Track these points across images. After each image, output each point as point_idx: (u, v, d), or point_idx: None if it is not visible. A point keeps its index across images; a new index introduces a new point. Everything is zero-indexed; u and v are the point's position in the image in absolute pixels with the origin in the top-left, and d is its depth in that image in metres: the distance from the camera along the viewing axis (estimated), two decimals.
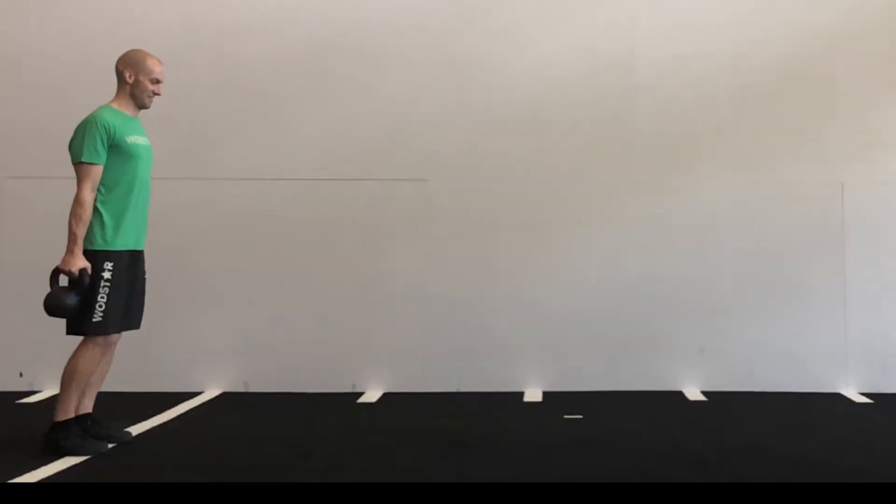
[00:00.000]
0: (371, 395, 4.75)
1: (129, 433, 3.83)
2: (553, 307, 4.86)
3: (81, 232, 3.49)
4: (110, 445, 3.65)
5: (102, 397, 4.66)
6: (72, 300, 3.50)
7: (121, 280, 3.61)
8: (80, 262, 3.48)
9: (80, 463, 3.46)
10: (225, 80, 4.91)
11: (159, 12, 4.92)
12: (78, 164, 3.52)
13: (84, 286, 3.50)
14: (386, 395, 4.76)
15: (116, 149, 3.54)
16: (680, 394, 4.74)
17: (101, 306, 3.54)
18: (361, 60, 4.90)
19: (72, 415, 3.60)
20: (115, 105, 3.67)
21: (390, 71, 4.91)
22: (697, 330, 4.84)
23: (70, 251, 3.48)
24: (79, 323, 3.56)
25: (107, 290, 3.55)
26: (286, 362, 4.87)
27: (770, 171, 4.85)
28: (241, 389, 4.86)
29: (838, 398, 4.68)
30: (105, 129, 3.52)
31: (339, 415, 4.28)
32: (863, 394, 4.74)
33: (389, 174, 4.90)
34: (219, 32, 4.91)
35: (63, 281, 3.56)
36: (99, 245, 3.56)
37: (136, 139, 3.62)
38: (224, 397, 4.75)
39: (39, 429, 4.02)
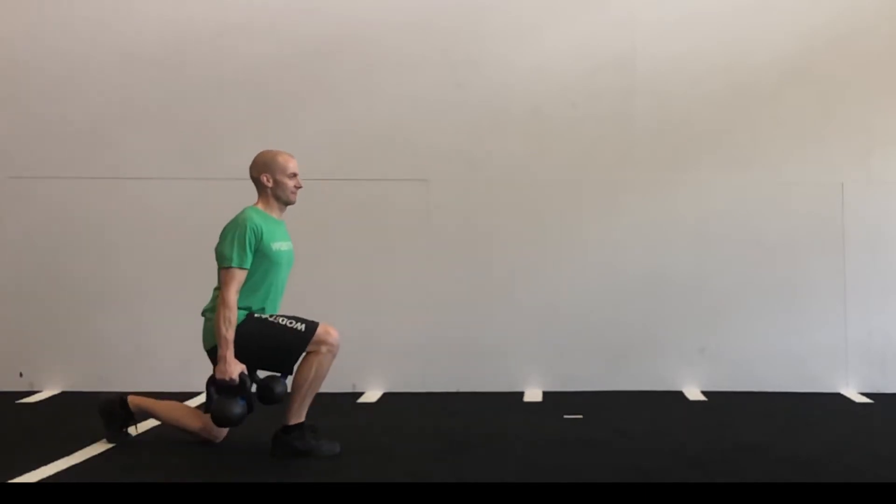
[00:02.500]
0: (371, 395, 4.75)
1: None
2: (553, 307, 4.86)
3: (231, 335, 3.37)
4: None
5: None
6: (239, 409, 3.39)
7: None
8: (237, 367, 3.37)
9: (80, 463, 3.46)
10: (225, 80, 4.91)
11: (160, 12, 4.92)
12: (226, 268, 3.42)
13: (247, 389, 3.40)
14: (386, 395, 4.76)
15: (259, 254, 3.47)
16: (680, 394, 4.74)
17: (290, 323, 3.49)
18: (361, 60, 4.90)
19: (302, 419, 3.54)
20: (261, 207, 3.61)
21: (390, 71, 4.91)
22: (697, 330, 4.84)
23: (223, 358, 3.36)
24: (298, 345, 3.47)
25: (276, 316, 3.52)
26: None
27: (770, 171, 4.85)
28: None
29: (838, 398, 4.68)
30: (254, 233, 3.45)
31: (339, 415, 4.27)
32: (863, 394, 4.74)
33: (389, 174, 4.90)
34: (219, 32, 4.91)
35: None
36: (244, 314, 3.48)
37: (280, 246, 3.56)
38: None
39: (39, 429, 4.04)
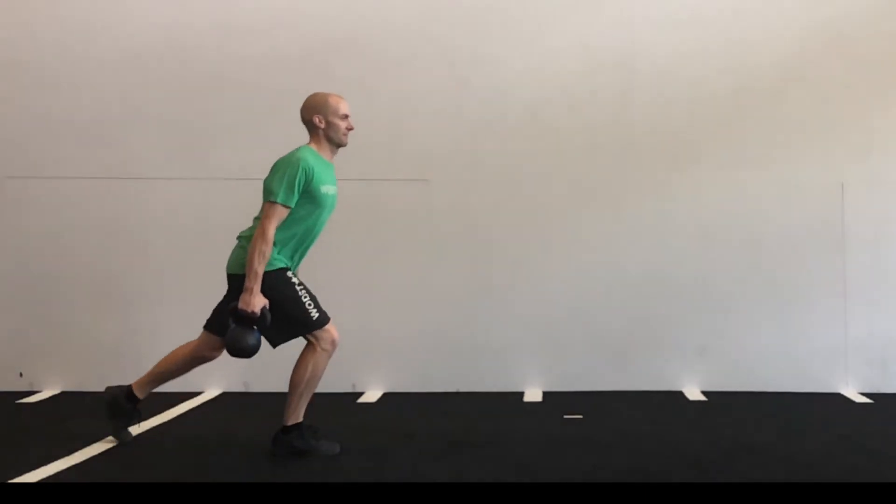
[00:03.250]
0: (371, 395, 4.75)
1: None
2: (553, 307, 4.86)
3: (262, 270, 3.35)
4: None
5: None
6: (254, 339, 3.40)
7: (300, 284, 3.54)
8: (261, 301, 3.37)
9: (80, 463, 3.46)
10: (224, 80, 4.91)
11: (159, 12, 4.92)
12: (271, 202, 3.40)
13: (266, 324, 3.41)
14: (386, 395, 4.76)
15: (308, 195, 3.45)
16: (680, 394, 4.74)
17: (309, 304, 3.49)
18: (361, 60, 4.90)
19: (301, 419, 3.55)
20: (314, 148, 3.58)
21: (390, 71, 4.90)
22: (697, 330, 4.84)
23: (249, 290, 3.34)
24: (301, 327, 3.50)
25: (303, 289, 3.51)
26: (286, 362, 4.86)
27: (770, 171, 4.85)
28: (241, 389, 4.86)
29: (838, 398, 4.68)
30: (305, 173, 3.42)
31: (339, 415, 4.28)
32: (863, 394, 4.74)
33: (389, 174, 4.90)
34: (218, 32, 4.91)
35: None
36: (275, 265, 3.46)
37: (328, 189, 3.55)
38: (224, 397, 4.76)
39: (39, 429, 4.04)
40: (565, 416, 4.22)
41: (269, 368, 4.86)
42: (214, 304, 4.87)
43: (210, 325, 3.71)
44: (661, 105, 4.87)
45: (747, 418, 4.21)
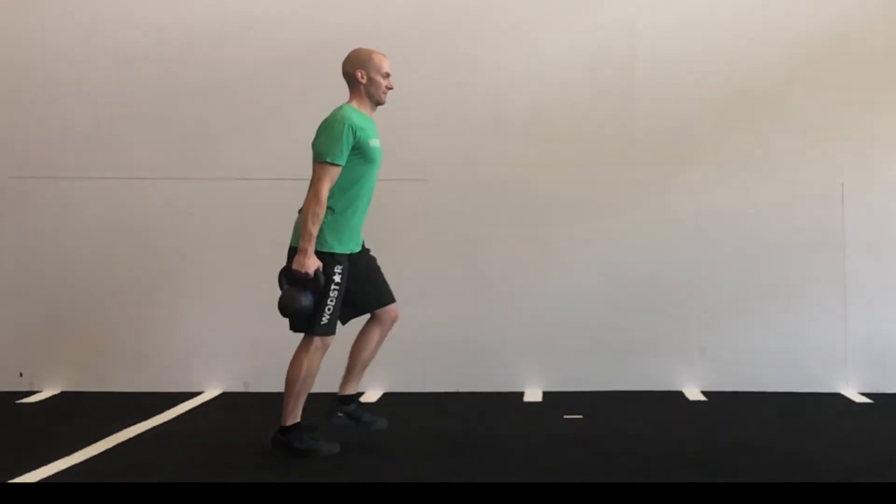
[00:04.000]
0: (371, 395, 4.75)
1: (385, 422, 3.74)
2: (553, 307, 4.86)
3: (316, 230, 3.36)
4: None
5: (103, 398, 4.68)
6: (307, 301, 3.39)
7: (347, 283, 3.53)
8: (315, 262, 3.36)
9: (80, 463, 3.46)
10: (225, 80, 4.91)
11: (159, 12, 4.92)
12: (321, 163, 3.39)
13: (319, 286, 3.39)
14: (386, 395, 4.76)
15: (358, 151, 3.43)
16: (680, 394, 4.74)
17: (329, 309, 3.47)
18: None
19: (298, 419, 3.54)
20: (355, 104, 3.57)
21: (390, 71, 4.89)
22: (697, 330, 4.84)
23: (303, 251, 3.35)
24: (305, 323, 3.49)
25: (336, 293, 3.47)
26: (286, 362, 4.85)
27: (770, 171, 4.85)
28: (241, 389, 4.86)
29: (838, 398, 4.68)
30: (352, 130, 3.41)
31: None
32: (863, 394, 4.74)
33: (389, 174, 4.87)
34: (219, 32, 4.91)
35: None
36: (330, 247, 3.45)
37: (375, 143, 3.54)
38: (224, 397, 4.75)
39: (39, 429, 4.04)
40: (565, 416, 4.22)
41: (269, 368, 4.87)
42: (214, 304, 4.90)
43: (364, 307, 3.68)
44: (661, 105, 4.87)
45: (747, 418, 4.21)
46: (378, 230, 4.87)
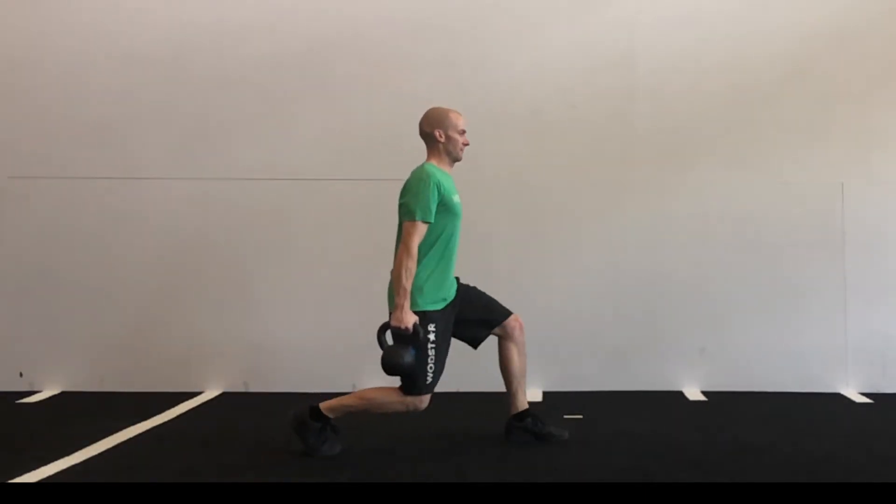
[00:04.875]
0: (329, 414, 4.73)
1: (566, 432, 3.80)
2: (553, 307, 4.86)
3: (410, 285, 3.40)
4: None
5: (103, 398, 4.68)
6: (409, 357, 3.40)
7: (445, 338, 3.57)
8: (412, 317, 3.40)
9: (80, 463, 3.46)
10: (225, 80, 4.91)
11: (159, 12, 4.93)
12: (411, 221, 3.44)
13: (419, 341, 3.43)
14: None
15: (443, 207, 3.50)
16: (680, 394, 4.74)
17: (431, 367, 3.51)
18: (362, 60, 4.90)
19: (333, 417, 3.57)
20: (435, 162, 3.64)
21: (390, 71, 4.91)
22: (697, 330, 4.84)
23: (399, 306, 3.39)
24: (411, 383, 3.51)
25: (434, 351, 3.51)
26: (286, 362, 4.88)
27: (770, 171, 4.85)
28: (241, 389, 4.86)
29: (838, 398, 4.68)
30: (438, 187, 3.48)
31: None
32: (863, 394, 4.74)
33: (389, 174, 4.87)
34: (219, 32, 4.92)
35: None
36: (420, 306, 3.48)
37: (457, 198, 3.61)
38: (224, 397, 4.76)
39: (39, 429, 4.04)
40: (565, 416, 4.22)
41: (269, 368, 4.89)
42: (214, 304, 4.90)
43: (481, 335, 3.78)
44: (661, 105, 4.87)
45: (747, 418, 4.21)
46: (378, 230, 4.88)
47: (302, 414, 3.57)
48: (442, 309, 3.55)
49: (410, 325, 3.39)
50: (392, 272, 3.49)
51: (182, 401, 4.57)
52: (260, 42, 4.91)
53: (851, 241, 4.82)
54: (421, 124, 3.70)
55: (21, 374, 4.88)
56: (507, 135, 4.88)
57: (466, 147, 3.70)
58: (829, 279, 4.82)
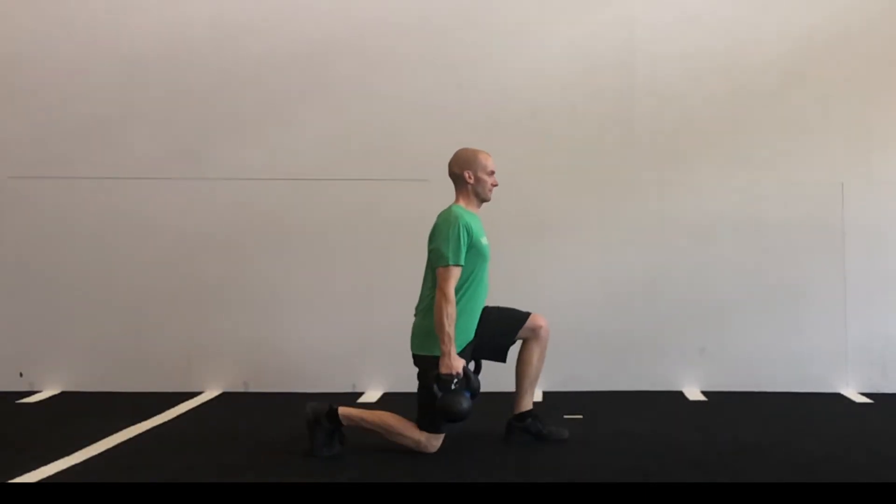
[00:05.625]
0: (371, 395, 4.75)
1: (566, 432, 3.81)
2: (553, 307, 4.82)
3: (453, 330, 3.43)
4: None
5: (103, 398, 4.68)
6: (466, 403, 3.40)
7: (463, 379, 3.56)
8: (460, 361, 3.44)
9: (80, 463, 3.46)
10: (225, 80, 4.91)
11: (159, 12, 4.93)
12: (444, 266, 3.48)
13: (473, 384, 3.45)
14: (386, 395, 4.76)
15: (471, 249, 3.55)
16: (680, 394, 4.74)
17: (458, 408, 3.48)
18: (362, 60, 4.90)
19: (344, 424, 3.59)
20: (463, 204, 3.68)
21: (390, 71, 4.91)
22: (697, 330, 4.84)
23: (446, 353, 3.41)
24: (429, 421, 3.54)
25: (466, 383, 3.51)
26: (286, 362, 4.88)
27: (770, 171, 4.85)
28: (241, 389, 4.86)
29: (838, 398, 4.68)
30: (467, 231, 3.53)
31: None
32: (863, 394, 4.74)
33: (389, 174, 4.90)
34: (218, 32, 4.91)
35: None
36: (437, 351, 3.50)
37: (485, 240, 3.65)
38: (224, 397, 4.76)
39: (39, 429, 4.04)
40: (565, 417, 4.22)
41: (269, 368, 4.89)
42: (214, 304, 4.90)
43: (505, 345, 3.78)
44: (661, 105, 4.87)
45: (747, 418, 4.21)
46: (378, 230, 4.91)
47: (319, 411, 3.59)
48: (461, 351, 3.55)
49: (461, 370, 3.42)
50: (429, 319, 3.52)
51: (182, 401, 4.57)
52: (260, 42, 4.91)
53: (851, 241, 4.82)
54: (450, 165, 3.74)
55: (21, 374, 4.88)
56: (507, 135, 4.88)
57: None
58: (829, 279, 4.82)
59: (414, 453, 3.57)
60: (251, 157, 4.93)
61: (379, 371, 4.87)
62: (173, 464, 3.46)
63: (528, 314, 3.77)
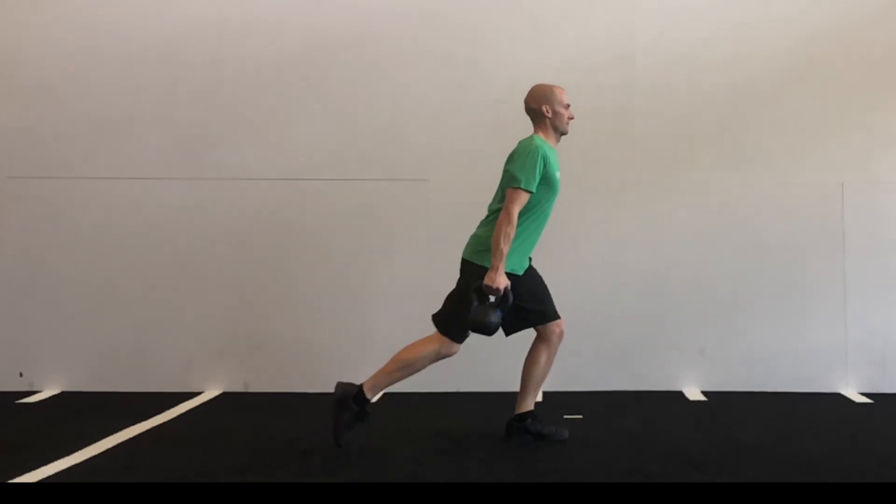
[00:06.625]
0: (371, 395, 4.74)
1: (566, 432, 3.83)
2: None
3: (507, 250, 3.49)
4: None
5: (103, 398, 4.69)
6: (496, 317, 3.48)
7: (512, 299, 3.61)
8: (505, 280, 3.49)
9: (80, 463, 3.46)
10: (224, 81, 4.91)
11: (159, 12, 4.93)
12: (515, 189, 3.53)
13: (508, 305, 3.51)
14: (385, 395, 4.76)
15: (544, 180, 3.60)
16: (680, 394, 4.74)
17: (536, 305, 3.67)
18: (361, 60, 4.90)
19: (376, 398, 3.67)
20: (542, 136, 3.72)
21: (390, 71, 4.91)
22: (697, 330, 4.84)
23: (495, 268, 3.47)
24: (447, 321, 3.64)
25: (483, 307, 3.56)
26: (286, 362, 4.88)
27: (770, 171, 4.86)
28: (241, 389, 4.86)
29: (838, 398, 4.68)
30: (544, 160, 3.58)
31: None
32: (863, 394, 4.74)
33: (389, 174, 4.90)
34: (219, 32, 4.92)
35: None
36: (522, 262, 3.61)
37: (559, 174, 3.70)
38: (224, 397, 4.76)
39: (39, 429, 4.04)
40: (565, 417, 4.22)
41: (269, 368, 4.89)
42: (214, 304, 4.90)
43: (528, 321, 3.80)
44: (661, 105, 4.88)
45: (747, 418, 4.21)
46: (378, 230, 4.91)
47: (348, 392, 3.64)
48: (515, 275, 3.61)
49: (503, 287, 3.48)
50: (490, 232, 3.58)
51: (182, 401, 4.57)
52: (260, 42, 4.91)
53: (851, 241, 4.82)
54: (527, 101, 3.79)
55: (21, 374, 4.88)
56: (507, 134, 4.85)
57: (571, 121, 3.80)
58: (829, 279, 4.82)
59: (414, 452, 3.57)
60: (251, 157, 4.93)
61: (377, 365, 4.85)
62: (173, 464, 3.46)
63: (557, 316, 3.80)
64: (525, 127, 4.88)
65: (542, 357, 3.80)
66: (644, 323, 4.86)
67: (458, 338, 3.65)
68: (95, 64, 4.94)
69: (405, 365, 3.66)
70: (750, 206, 4.85)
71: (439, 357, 3.66)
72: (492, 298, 3.50)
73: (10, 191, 4.92)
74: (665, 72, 4.88)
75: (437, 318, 3.69)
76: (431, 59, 4.90)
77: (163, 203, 4.92)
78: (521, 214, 3.58)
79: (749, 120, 4.88)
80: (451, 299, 3.70)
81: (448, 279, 4.85)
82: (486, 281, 3.49)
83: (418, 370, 3.68)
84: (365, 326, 4.86)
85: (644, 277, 4.87)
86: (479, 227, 3.77)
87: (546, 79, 4.87)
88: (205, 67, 4.91)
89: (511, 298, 3.52)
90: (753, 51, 4.87)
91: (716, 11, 4.89)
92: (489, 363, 4.84)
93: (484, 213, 4.86)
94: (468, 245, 3.73)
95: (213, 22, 4.92)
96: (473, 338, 4.81)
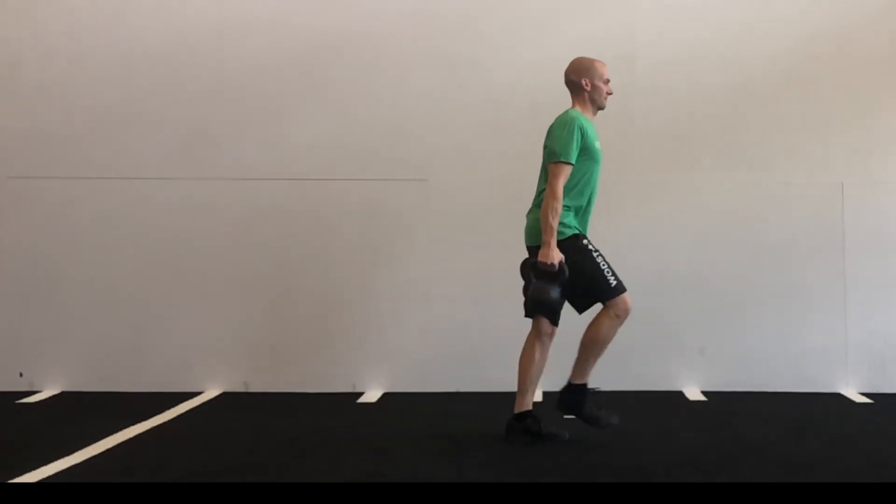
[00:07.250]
0: (371, 395, 4.75)
1: (566, 432, 3.83)
2: None
3: (556, 224, 3.55)
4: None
5: (103, 398, 4.69)
6: (556, 293, 3.57)
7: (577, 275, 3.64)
8: (558, 255, 3.55)
9: (80, 463, 3.46)
10: (225, 81, 4.91)
11: (159, 12, 4.93)
12: (556, 163, 3.60)
13: (565, 278, 3.56)
14: (386, 395, 4.76)
15: (584, 151, 3.65)
16: (680, 394, 4.74)
17: (607, 271, 3.68)
18: (361, 60, 4.90)
19: (587, 380, 3.75)
20: (579, 109, 3.77)
21: (390, 71, 4.91)
22: (697, 330, 4.84)
23: (547, 244, 3.54)
24: (598, 293, 3.68)
25: (599, 256, 3.68)
26: (286, 362, 4.88)
27: (770, 171, 4.86)
28: (241, 389, 4.86)
29: (838, 398, 4.68)
30: (582, 132, 3.63)
31: (339, 415, 4.28)
32: (863, 394, 4.74)
33: (389, 174, 4.90)
34: (218, 32, 4.92)
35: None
36: (567, 233, 3.65)
37: (598, 144, 3.74)
38: (224, 397, 4.75)
39: (39, 429, 4.04)
40: (565, 417, 4.21)
41: (269, 368, 4.89)
42: (214, 304, 4.90)
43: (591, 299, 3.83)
44: (660, 105, 4.88)
45: (747, 418, 4.21)
46: (378, 230, 4.91)
47: (570, 396, 3.76)
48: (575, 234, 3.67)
49: (556, 262, 3.52)
50: (540, 212, 3.62)
51: (182, 401, 4.57)
52: (260, 42, 4.91)
53: (851, 241, 4.82)
54: (567, 73, 3.83)
55: (21, 374, 4.88)
56: (507, 134, 4.88)
57: (610, 96, 3.83)
58: (829, 279, 4.82)
59: (414, 452, 3.57)
60: (251, 157, 4.93)
61: (379, 371, 4.86)
62: (173, 464, 3.46)
63: (578, 313, 3.85)
64: (525, 127, 4.90)
65: (536, 352, 3.82)
66: (644, 323, 4.83)
67: (618, 288, 3.69)
68: (95, 64, 4.94)
69: (598, 342, 3.74)
70: (750, 206, 4.85)
71: (620, 319, 3.70)
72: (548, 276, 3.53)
73: (10, 191, 4.92)
74: (665, 72, 4.88)
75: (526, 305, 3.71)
76: (431, 59, 4.90)
77: (163, 203, 4.92)
78: (568, 190, 3.62)
79: (749, 120, 4.88)
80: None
81: (447, 279, 4.87)
82: (540, 257, 3.55)
83: (613, 335, 3.74)
84: (364, 327, 4.86)
85: (644, 277, 4.84)
86: (528, 212, 3.81)
87: (546, 78, 4.90)
88: (205, 67, 4.91)
89: (567, 272, 3.55)
90: (753, 51, 4.86)
91: (716, 11, 4.89)
92: (489, 363, 4.84)
93: (484, 213, 4.89)
94: (528, 230, 3.76)
95: (213, 22, 4.92)
96: (474, 338, 4.84)
